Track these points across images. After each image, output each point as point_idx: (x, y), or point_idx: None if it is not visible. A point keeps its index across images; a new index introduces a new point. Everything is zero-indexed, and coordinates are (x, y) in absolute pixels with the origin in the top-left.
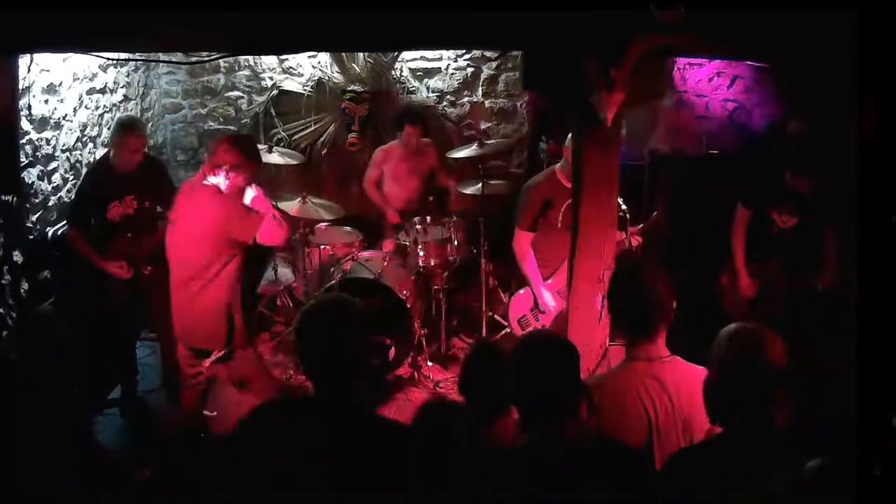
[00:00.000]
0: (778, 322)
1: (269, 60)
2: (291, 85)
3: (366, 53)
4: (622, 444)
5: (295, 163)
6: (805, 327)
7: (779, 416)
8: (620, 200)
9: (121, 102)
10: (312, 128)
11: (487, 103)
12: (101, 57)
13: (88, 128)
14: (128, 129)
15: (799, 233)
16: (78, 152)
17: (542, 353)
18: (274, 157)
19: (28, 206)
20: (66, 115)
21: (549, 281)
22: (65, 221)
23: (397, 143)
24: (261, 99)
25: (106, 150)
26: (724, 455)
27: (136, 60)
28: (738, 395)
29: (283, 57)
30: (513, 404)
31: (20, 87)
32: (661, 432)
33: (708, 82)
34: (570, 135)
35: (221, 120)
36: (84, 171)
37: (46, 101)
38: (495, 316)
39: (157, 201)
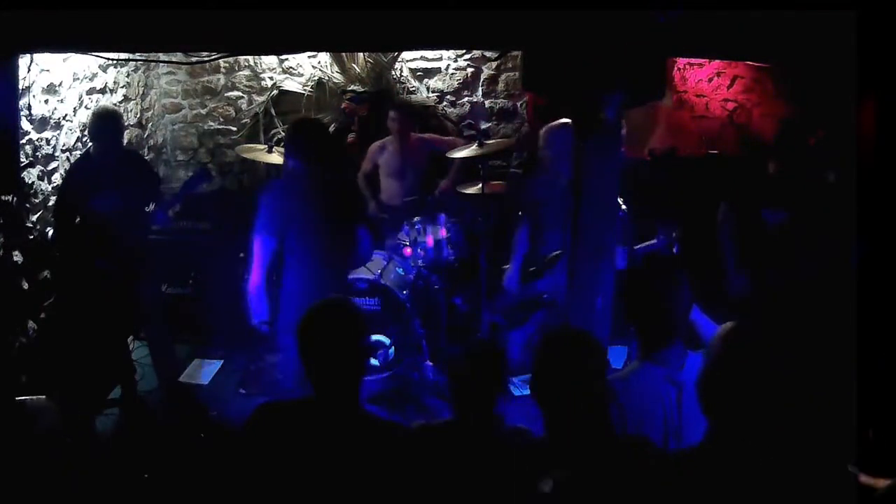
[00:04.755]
0: (773, 320)
1: (269, 60)
2: (291, 85)
3: (366, 53)
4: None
5: None
6: (801, 325)
7: (771, 418)
8: (620, 200)
9: (121, 102)
10: None
11: (487, 103)
12: (101, 57)
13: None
14: (105, 121)
15: (792, 232)
16: (78, 152)
17: (568, 349)
18: (274, 157)
19: (28, 206)
20: (66, 115)
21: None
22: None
23: (392, 139)
24: (261, 99)
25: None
26: (716, 455)
27: (136, 60)
28: (730, 393)
29: (283, 57)
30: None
31: (20, 87)
32: (677, 432)
33: (708, 82)
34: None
35: (221, 120)
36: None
37: (46, 101)
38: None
39: (139, 195)
